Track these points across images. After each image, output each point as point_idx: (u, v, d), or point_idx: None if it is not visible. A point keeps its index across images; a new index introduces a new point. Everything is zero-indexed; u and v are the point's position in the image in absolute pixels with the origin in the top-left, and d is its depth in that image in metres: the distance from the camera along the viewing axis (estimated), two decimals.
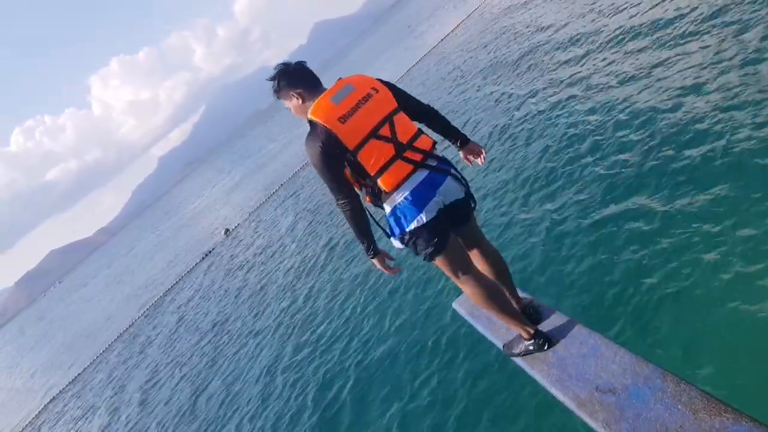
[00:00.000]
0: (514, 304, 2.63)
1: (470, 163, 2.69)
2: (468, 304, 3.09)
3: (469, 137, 2.63)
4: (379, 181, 2.23)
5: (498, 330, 2.80)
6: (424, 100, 2.55)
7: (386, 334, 5.78)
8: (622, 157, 5.45)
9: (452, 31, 24.46)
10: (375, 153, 2.18)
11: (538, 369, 2.43)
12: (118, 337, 17.85)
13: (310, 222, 13.11)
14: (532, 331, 2.48)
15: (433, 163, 2.28)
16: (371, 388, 5.14)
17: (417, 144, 2.26)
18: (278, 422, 5.80)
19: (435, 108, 2.56)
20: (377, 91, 2.26)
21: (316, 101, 2.24)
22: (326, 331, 6.93)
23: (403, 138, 2.24)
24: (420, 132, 2.34)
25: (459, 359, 4.58)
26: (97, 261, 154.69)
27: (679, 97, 5.68)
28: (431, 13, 43.47)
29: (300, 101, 2.32)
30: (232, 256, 16.63)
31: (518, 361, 2.55)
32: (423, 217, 2.23)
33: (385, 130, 2.20)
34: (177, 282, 19.35)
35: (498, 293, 2.45)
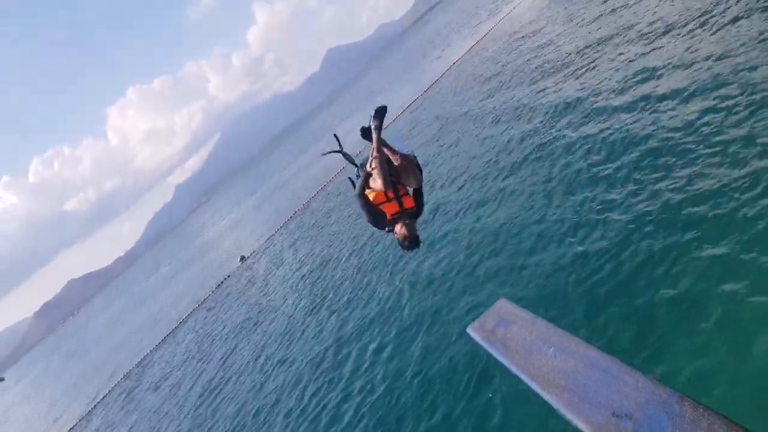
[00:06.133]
0: None
1: None
2: (482, 330, 3.08)
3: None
4: None
5: (512, 354, 2.78)
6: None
7: (410, 358, 5.76)
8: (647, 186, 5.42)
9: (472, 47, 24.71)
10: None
11: (552, 393, 2.39)
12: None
13: (324, 243, 13.18)
14: None
15: None
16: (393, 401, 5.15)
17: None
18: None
19: None
20: None
21: None
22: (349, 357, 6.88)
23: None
24: None
25: (472, 380, 4.54)
26: (115, 290, 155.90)
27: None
28: (441, 40, 43.88)
29: None
30: (249, 280, 16.72)
31: (532, 384, 2.52)
32: None
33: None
34: (191, 312, 19.44)
35: None
